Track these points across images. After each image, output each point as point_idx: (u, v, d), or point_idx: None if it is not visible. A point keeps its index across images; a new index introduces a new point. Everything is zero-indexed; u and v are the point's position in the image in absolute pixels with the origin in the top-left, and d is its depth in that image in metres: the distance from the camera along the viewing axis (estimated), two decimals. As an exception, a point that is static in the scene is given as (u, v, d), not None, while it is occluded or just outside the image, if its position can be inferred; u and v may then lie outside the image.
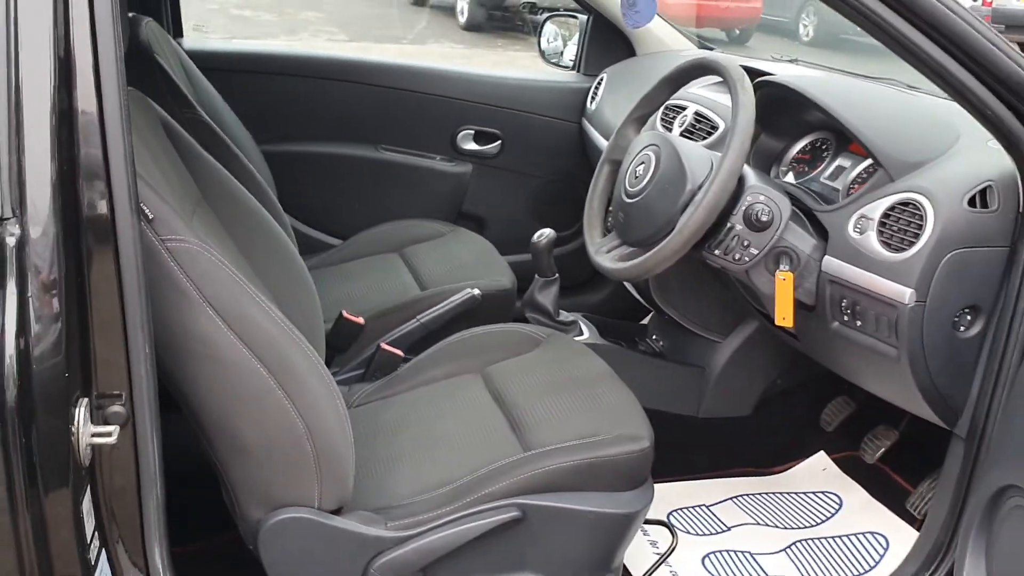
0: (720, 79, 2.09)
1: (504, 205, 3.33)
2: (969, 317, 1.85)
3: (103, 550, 1.37)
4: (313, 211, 3.16)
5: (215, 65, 2.86)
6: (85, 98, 1.22)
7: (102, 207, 1.25)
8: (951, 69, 1.61)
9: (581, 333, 2.55)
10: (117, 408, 1.32)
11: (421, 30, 13.64)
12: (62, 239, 1.19)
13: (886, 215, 1.89)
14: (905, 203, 1.87)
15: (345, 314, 2.36)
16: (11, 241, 1.15)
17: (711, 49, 3.28)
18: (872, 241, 1.90)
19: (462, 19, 13.43)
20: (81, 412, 1.23)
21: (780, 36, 13.97)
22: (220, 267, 1.45)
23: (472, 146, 3.27)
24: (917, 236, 1.82)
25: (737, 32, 13.64)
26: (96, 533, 1.35)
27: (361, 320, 2.38)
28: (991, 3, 14.68)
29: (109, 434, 1.27)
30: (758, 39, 13.61)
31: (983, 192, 1.79)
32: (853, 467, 2.59)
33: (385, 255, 2.85)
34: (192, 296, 1.42)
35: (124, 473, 1.37)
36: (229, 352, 1.47)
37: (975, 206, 1.79)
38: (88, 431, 1.25)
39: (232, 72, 2.99)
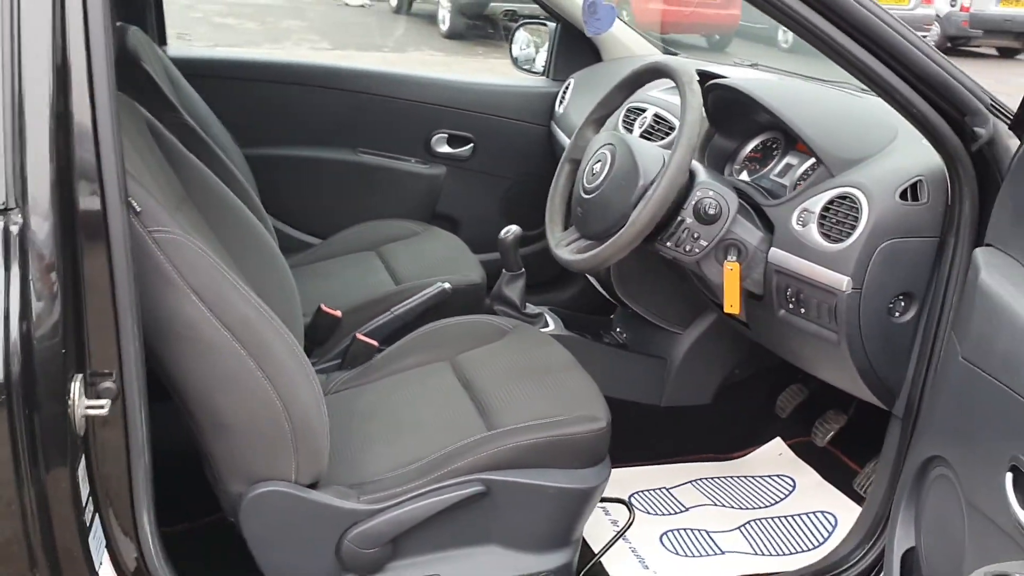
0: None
1: (477, 205, 3.45)
2: (903, 303, 1.98)
3: (96, 514, 1.50)
4: (294, 212, 3.27)
5: (199, 72, 2.97)
6: (79, 102, 1.34)
7: (94, 200, 1.37)
8: (878, 71, 1.74)
9: (547, 325, 2.68)
10: (108, 384, 1.43)
11: (403, 38, 13.72)
12: (59, 229, 1.31)
13: (826, 208, 2.03)
14: (843, 197, 2.01)
15: (323, 308, 2.49)
16: (14, 229, 1.28)
17: (675, 54, 3.42)
18: (813, 233, 2.03)
19: (443, 27, 13.50)
20: (76, 387, 1.36)
21: (759, 43, 14.09)
22: (202, 255, 1.57)
23: (446, 149, 3.39)
24: (853, 228, 1.96)
25: (717, 38, 13.77)
26: (90, 498, 1.47)
27: (338, 313, 2.50)
28: (969, 8, 14.88)
29: (102, 407, 1.40)
30: (738, 46, 13.71)
31: (914, 186, 1.93)
32: (807, 451, 2.73)
33: (362, 253, 2.96)
34: (177, 283, 1.54)
35: (115, 443, 1.49)
36: (211, 335, 1.59)
37: (906, 199, 1.93)
38: (83, 404, 1.37)
39: (215, 78, 3.10)
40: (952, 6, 15.02)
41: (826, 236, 2.01)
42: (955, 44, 15.48)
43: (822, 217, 2.03)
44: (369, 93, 3.30)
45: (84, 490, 1.45)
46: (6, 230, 1.27)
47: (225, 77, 3.18)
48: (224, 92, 3.02)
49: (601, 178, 2.17)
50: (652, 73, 2.29)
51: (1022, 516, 1.36)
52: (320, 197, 3.31)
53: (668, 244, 2.17)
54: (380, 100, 3.30)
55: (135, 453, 1.51)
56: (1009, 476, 1.39)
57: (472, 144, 3.40)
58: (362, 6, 15.96)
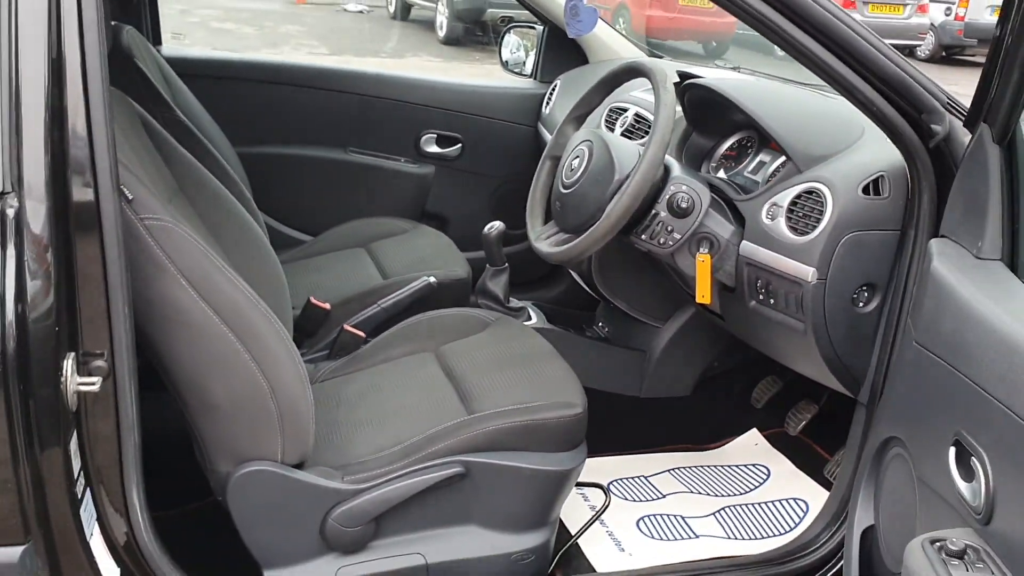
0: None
1: (465, 204, 3.52)
2: (866, 293, 2.06)
3: (88, 487, 1.57)
4: (286, 209, 3.35)
5: (193, 71, 3.04)
6: (74, 93, 1.42)
7: (87, 187, 1.44)
8: (840, 70, 1.82)
9: (530, 318, 2.75)
10: (100, 363, 1.51)
11: (400, 44, 13.82)
12: (54, 213, 1.39)
13: (793, 202, 2.11)
14: (809, 191, 2.09)
15: (312, 300, 2.56)
16: (10, 212, 1.35)
17: (660, 57, 3.50)
18: (781, 226, 2.11)
19: (441, 33, 13.62)
20: (69, 365, 1.43)
21: (755, 50, 14.15)
22: (192, 242, 1.64)
23: (435, 149, 3.47)
24: (819, 221, 2.04)
25: (714, 45, 13.86)
26: (82, 472, 1.55)
27: (327, 306, 2.57)
28: (963, 17, 14.98)
29: (93, 383, 1.47)
30: (734, 53, 13.77)
31: (876, 181, 2.01)
32: (781, 441, 2.80)
33: (352, 249, 3.03)
34: (166, 267, 1.61)
35: (105, 419, 1.56)
36: (199, 318, 1.66)
37: (869, 194, 2.01)
38: (75, 381, 1.45)
39: (209, 78, 3.18)
40: (947, 15, 15.14)
41: (793, 229, 2.09)
42: (950, 53, 15.60)
43: (790, 211, 2.11)
44: (360, 94, 3.38)
45: (76, 463, 1.52)
46: (2, 213, 1.35)
47: (219, 77, 3.26)
48: (218, 91, 3.10)
49: (579, 173, 2.25)
50: (629, 73, 2.37)
51: (963, 488, 1.43)
52: (311, 195, 3.39)
53: (643, 237, 2.24)
54: (370, 100, 3.38)
55: (125, 429, 1.58)
56: (952, 451, 1.47)
57: (460, 144, 3.47)
58: (360, 12, 16.07)
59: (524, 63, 3.75)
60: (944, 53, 15.47)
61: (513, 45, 3.79)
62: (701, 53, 13.68)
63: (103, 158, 1.44)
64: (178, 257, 1.62)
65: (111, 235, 1.47)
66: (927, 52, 15.20)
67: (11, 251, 1.35)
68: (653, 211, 2.20)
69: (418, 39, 13.96)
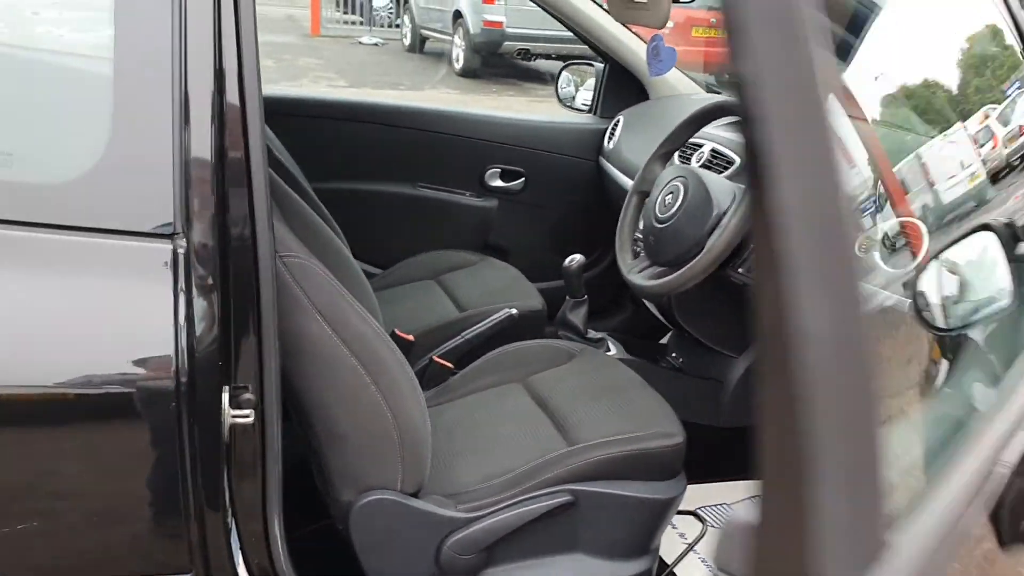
0: (735, 119, 2.37)
1: (527, 236, 3.59)
2: None
3: (234, 518, 1.62)
4: (356, 243, 3.37)
5: (269, 110, 3.10)
6: (234, 143, 1.47)
7: (246, 226, 1.50)
8: None
9: (609, 349, 2.80)
10: (248, 396, 1.56)
11: (418, 76, 13.93)
12: (216, 252, 1.44)
13: (886, 235, 2.16)
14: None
15: (397, 332, 2.61)
16: (181, 252, 1.41)
17: (718, 93, 3.57)
18: (875, 257, 2.16)
19: (457, 66, 13.73)
20: (225, 397, 1.49)
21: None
22: (324, 278, 1.70)
23: (498, 183, 3.54)
24: (915, 255, 2.09)
25: (727, 76, 13.94)
26: (231, 503, 1.59)
27: (411, 337, 2.62)
28: None
29: (247, 416, 1.52)
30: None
31: None
32: None
33: (423, 282, 3.10)
34: (303, 303, 1.67)
35: (252, 451, 1.60)
36: (332, 351, 1.71)
37: None
38: (229, 413, 1.50)
39: (285, 116, 3.23)
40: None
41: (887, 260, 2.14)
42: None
43: (883, 243, 2.16)
44: (427, 130, 3.45)
45: (226, 494, 1.57)
46: (175, 252, 1.41)
47: (294, 115, 3.32)
48: (293, 129, 3.15)
49: (675, 208, 2.30)
50: (720, 111, 2.43)
51: None
52: (380, 229, 3.45)
53: (740, 271, 2.29)
54: (437, 137, 3.46)
55: (270, 461, 1.62)
56: None
57: (523, 178, 3.54)
58: (375, 44, 16.20)
59: (573, 98, 3.82)
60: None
61: (564, 81, 3.87)
62: (714, 84, 13.76)
63: (260, 199, 1.50)
64: (313, 292, 1.68)
65: (266, 272, 1.52)
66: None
67: (182, 289, 1.40)
68: (752, 245, 2.25)
69: (435, 71, 14.07)
